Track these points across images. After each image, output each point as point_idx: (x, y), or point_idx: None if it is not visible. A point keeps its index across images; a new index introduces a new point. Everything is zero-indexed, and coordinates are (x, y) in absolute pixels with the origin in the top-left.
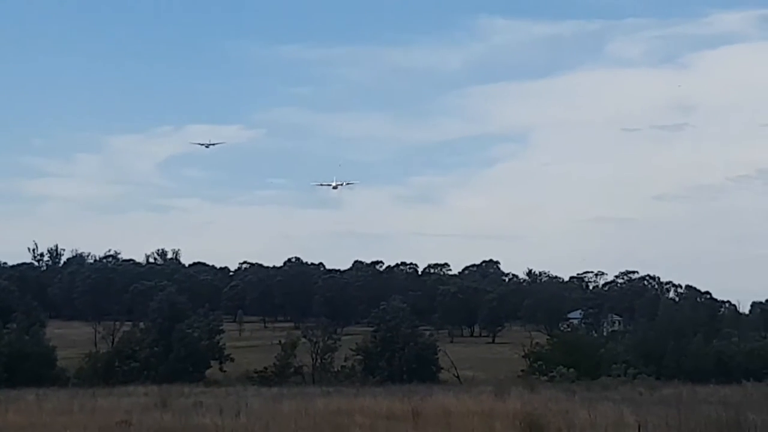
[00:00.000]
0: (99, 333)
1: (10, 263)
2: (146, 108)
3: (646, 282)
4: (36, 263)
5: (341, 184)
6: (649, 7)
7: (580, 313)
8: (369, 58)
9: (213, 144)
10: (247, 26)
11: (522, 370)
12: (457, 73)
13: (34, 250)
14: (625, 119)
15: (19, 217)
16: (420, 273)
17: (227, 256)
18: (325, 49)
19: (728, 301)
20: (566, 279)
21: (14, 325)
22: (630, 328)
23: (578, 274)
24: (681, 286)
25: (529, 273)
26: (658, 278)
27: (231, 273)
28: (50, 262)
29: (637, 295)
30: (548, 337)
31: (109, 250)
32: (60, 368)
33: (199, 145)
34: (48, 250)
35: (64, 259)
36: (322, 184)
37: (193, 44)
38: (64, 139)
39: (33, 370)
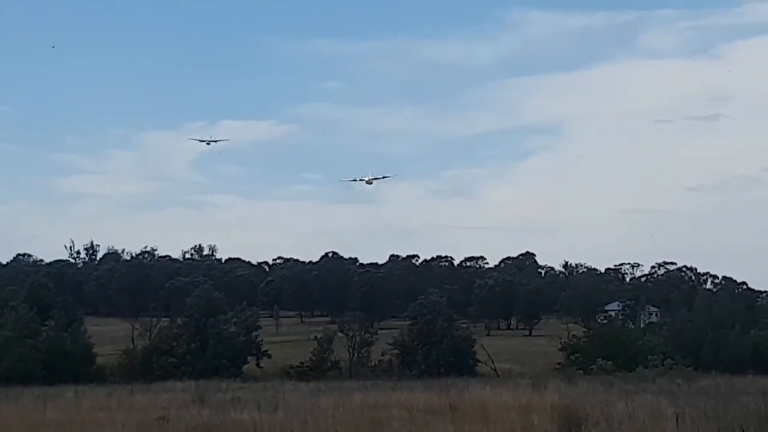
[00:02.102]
0: (136, 329)
1: (47, 260)
2: (179, 104)
3: (682, 273)
4: (72, 260)
5: (375, 179)
6: None
7: (618, 305)
8: (401, 52)
9: (215, 141)
10: (278, 22)
11: (559, 363)
12: (489, 66)
13: (71, 247)
14: (659, 111)
15: (55, 214)
16: (456, 266)
17: (263, 252)
18: (357, 43)
19: (766, 292)
20: (602, 271)
21: (52, 323)
22: (667, 320)
23: (615, 266)
24: (718, 277)
25: (566, 265)
26: (695, 269)
27: (267, 268)
28: (87, 259)
29: (674, 286)
30: (585, 330)
31: (146, 247)
32: (99, 365)
33: (200, 142)
34: (84, 247)
35: (100, 255)
36: (354, 179)
37: (225, 40)
38: (98, 137)
39: (72, 367)
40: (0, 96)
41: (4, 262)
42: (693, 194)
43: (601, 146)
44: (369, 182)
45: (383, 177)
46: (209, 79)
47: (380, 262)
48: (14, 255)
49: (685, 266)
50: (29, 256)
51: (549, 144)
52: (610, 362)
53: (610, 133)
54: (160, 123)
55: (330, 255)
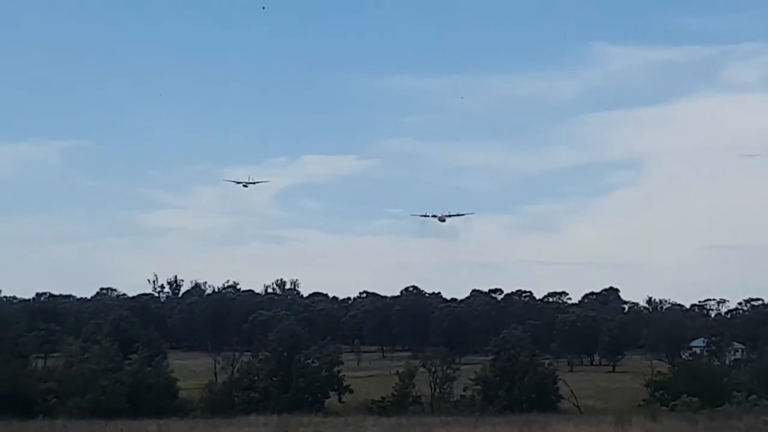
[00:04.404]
0: (218, 363)
1: (131, 294)
2: (261, 140)
3: None
4: (156, 294)
5: (449, 216)
6: (766, 31)
7: (703, 341)
8: (481, 86)
9: (252, 183)
10: (359, 58)
11: (643, 400)
12: (570, 100)
13: (154, 281)
14: (744, 145)
15: (139, 248)
16: (538, 301)
17: (344, 286)
18: (436, 78)
19: None
20: (687, 307)
21: (136, 356)
22: (753, 356)
23: (700, 302)
24: None
25: (650, 301)
26: None
27: (348, 303)
28: (170, 294)
29: (761, 322)
30: (670, 366)
31: (228, 281)
32: (181, 399)
33: (236, 183)
34: (168, 282)
35: (183, 290)
36: (426, 215)
37: (307, 76)
38: (181, 172)
39: (155, 400)
40: (83, 130)
41: (89, 297)
42: None
43: (684, 181)
44: (442, 219)
45: (458, 215)
46: (291, 115)
47: (461, 297)
48: (98, 289)
49: None
50: (113, 290)
51: (631, 179)
52: (695, 399)
53: (694, 168)
54: (243, 158)
55: (411, 289)
